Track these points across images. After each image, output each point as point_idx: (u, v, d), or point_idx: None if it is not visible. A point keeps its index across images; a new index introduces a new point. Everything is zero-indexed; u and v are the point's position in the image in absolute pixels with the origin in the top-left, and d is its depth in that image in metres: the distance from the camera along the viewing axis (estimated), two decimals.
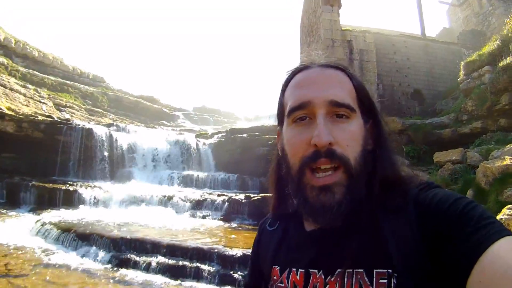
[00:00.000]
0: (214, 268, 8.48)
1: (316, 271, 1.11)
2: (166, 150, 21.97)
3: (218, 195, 14.95)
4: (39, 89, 32.21)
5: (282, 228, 1.36)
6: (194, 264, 8.63)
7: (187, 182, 18.83)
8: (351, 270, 1.02)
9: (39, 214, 12.99)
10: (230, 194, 15.05)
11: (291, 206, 1.34)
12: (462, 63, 16.66)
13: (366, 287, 0.98)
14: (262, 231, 1.47)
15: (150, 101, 47.12)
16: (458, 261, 0.86)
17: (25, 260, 8.85)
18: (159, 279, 8.25)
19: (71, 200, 14.46)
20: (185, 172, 19.75)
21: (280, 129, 1.30)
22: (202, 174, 19.44)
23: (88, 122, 25.78)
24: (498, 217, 5.88)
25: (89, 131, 20.36)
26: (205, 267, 8.50)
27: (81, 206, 14.31)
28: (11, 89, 28.00)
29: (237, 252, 8.86)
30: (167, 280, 8.22)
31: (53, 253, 9.60)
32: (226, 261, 8.64)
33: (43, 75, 35.60)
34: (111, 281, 8.04)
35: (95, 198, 14.73)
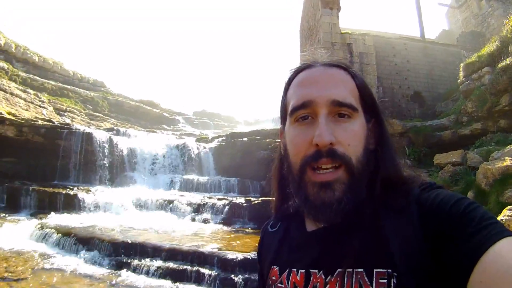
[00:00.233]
0: (214, 272, 8.49)
1: (316, 271, 1.11)
2: (167, 154, 21.94)
3: (219, 199, 14.96)
4: (39, 94, 32.28)
5: (284, 229, 1.36)
6: (195, 268, 8.65)
7: (187, 186, 18.82)
8: (351, 270, 1.02)
9: (39, 219, 12.95)
10: (230, 198, 15.08)
11: (292, 206, 1.35)
12: (462, 64, 16.72)
13: (366, 286, 0.97)
14: (264, 233, 1.47)
15: (150, 106, 47.16)
16: (459, 261, 0.86)
17: (26, 264, 8.86)
18: (160, 283, 8.27)
19: (71, 205, 14.42)
20: (186, 176, 19.73)
21: (282, 128, 1.31)
22: (202, 178, 19.43)
23: (89, 127, 25.88)
24: (498, 218, 5.88)
25: (90, 136, 20.34)
26: (205, 271, 8.52)
27: (81, 210, 14.27)
28: (12, 94, 28.06)
29: (238, 255, 8.87)
30: (168, 283, 8.24)
31: (54, 257, 9.62)
32: (226, 265, 8.65)
33: (44, 80, 35.66)
34: (112, 284, 8.05)
35: (95, 202, 14.69)
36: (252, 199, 14.44)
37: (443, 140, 15.04)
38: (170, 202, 14.75)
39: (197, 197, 15.61)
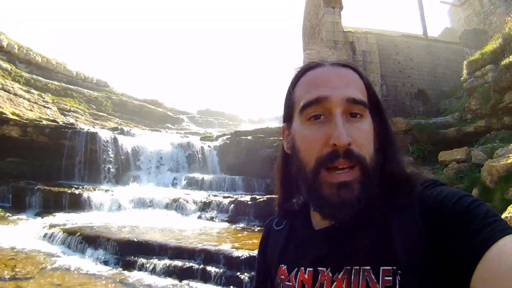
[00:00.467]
0: (220, 270, 8.45)
1: (324, 269, 1.11)
2: (171, 153, 21.94)
3: (224, 197, 14.96)
4: (43, 94, 32.21)
5: (289, 226, 1.36)
6: (201, 266, 8.61)
7: (192, 184, 18.81)
8: (358, 267, 1.03)
9: (45, 218, 13.01)
10: (236, 196, 15.05)
11: (296, 203, 1.36)
12: (465, 62, 16.64)
13: (372, 284, 0.98)
14: (269, 231, 1.47)
15: (154, 105, 47.03)
16: (462, 258, 0.87)
17: (32, 263, 8.86)
18: (166, 281, 8.25)
19: (77, 204, 14.45)
20: (191, 175, 19.71)
21: (286, 126, 1.30)
22: (207, 177, 19.41)
23: (93, 126, 25.91)
24: (503, 216, 5.88)
25: (94, 135, 20.37)
26: (211, 269, 8.48)
27: (87, 209, 14.31)
28: (15, 94, 28.03)
29: (244, 253, 8.82)
30: (174, 281, 8.21)
31: (60, 256, 9.62)
32: (232, 263, 8.62)
33: (47, 80, 35.60)
34: (118, 283, 8.04)
35: (101, 201, 14.71)
36: (258, 197, 14.40)
37: (448, 137, 14.98)
38: (176, 200, 14.74)
39: (202, 195, 15.61)
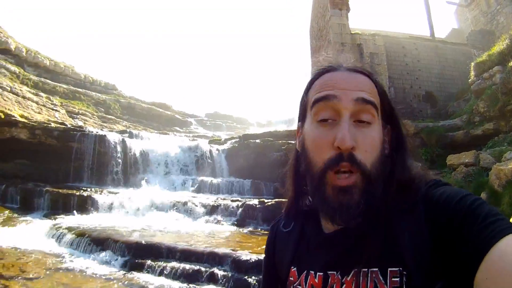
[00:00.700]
0: (228, 273, 8.48)
1: (334, 272, 1.12)
2: (180, 156, 21.96)
3: (232, 201, 14.99)
4: (51, 97, 32.36)
5: (299, 229, 1.36)
6: (209, 269, 8.63)
7: (201, 187, 18.80)
8: (366, 269, 1.03)
9: (53, 219, 13.06)
10: (244, 200, 15.06)
11: (306, 204, 1.36)
12: (472, 63, 16.64)
13: (380, 285, 0.99)
14: (276, 233, 1.47)
15: (163, 108, 47.17)
16: (465, 257, 0.87)
17: (40, 263, 8.93)
18: (173, 283, 8.27)
19: (85, 206, 14.50)
20: (199, 178, 19.70)
21: (300, 125, 1.32)
22: (215, 180, 19.41)
23: (101, 129, 25.92)
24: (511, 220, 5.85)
25: (102, 138, 20.41)
26: (219, 272, 8.51)
27: (95, 211, 14.36)
28: (24, 97, 28.14)
29: (251, 257, 8.88)
30: (182, 284, 8.24)
31: (67, 257, 9.69)
32: (240, 266, 8.65)
33: (55, 83, 35.77)
34: (126, 285, 8.08)
35: (109, 203, 14.76)
36: (266, 200, 14.43)
37: (456, 140, 14.97)
38: (184, 203, 14.73)
39: (210, 199, 15.65)
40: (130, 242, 9.98)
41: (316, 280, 1.16)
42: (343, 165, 1.07)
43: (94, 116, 36.41)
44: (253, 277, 8.21)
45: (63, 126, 21.40)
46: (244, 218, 13.79)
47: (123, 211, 14.52)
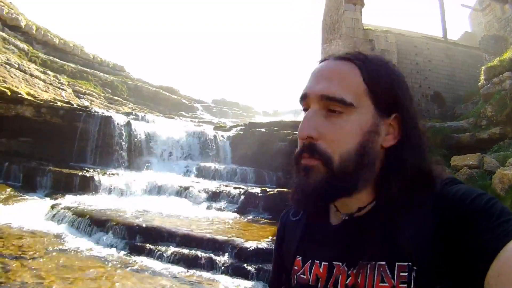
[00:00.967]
0: (228, 260, 8.52)
1: (339, 263, 1.11)
2: (184, 141, 21.98)
3: (235, 188, 14.97)
4: (59, 76, 32.53)
5: (306, 218, 1.34)
6: (208, 255, 8.66)
7: (204, 173, 18.81)
8: (373, 262, 1.03)
9: (55, 199, 13.08)
10: (246, 187, 15.07)
11: None
12: (483, 68, 16.55)
13: (387, 279, 0.99)
14: (286, 223, 1.45)
15: (170, 92, 47.47)
16: (478, 255, 0.87)
17: (40, 243, 8.91)
18: (173, 268, 8.28)
19: (87, 186, 14.52)
20: (202, 164, 19.73)
21: None
22: (219, 166, 19.45)
23: (107, 110, 26.00)
24: None
25: (108, 119, 20.41)
26: (219, 258, 8.55)
27: (97, 192, 14.38)
28: (31, 75, 28.27)
29: (252, 244, 8.94)
30: (181, 269, 8.25)
31: (68, 238, 9.68)
32: (240, 254, 8.69)
33: (63, 62, 35.96)
34: (125, 268, 8.07)
35: (111, 185, 14.78)
36: (268, 189, 14.42)
37: (461, 142, 14.94)
38: (186, 188, 14.74)
39: (213, 185, 15.66)
40: (131, 225, 9.98)
41: (321, 270, 1.15)
42: (303, 155, 1.09)
43: (101, 97, 36.61)
44: (253, 265, 8.28)
45: (69, 106, 21.38)
46: (245, 206, 13.80)
47: (125, 193, 14.55)
